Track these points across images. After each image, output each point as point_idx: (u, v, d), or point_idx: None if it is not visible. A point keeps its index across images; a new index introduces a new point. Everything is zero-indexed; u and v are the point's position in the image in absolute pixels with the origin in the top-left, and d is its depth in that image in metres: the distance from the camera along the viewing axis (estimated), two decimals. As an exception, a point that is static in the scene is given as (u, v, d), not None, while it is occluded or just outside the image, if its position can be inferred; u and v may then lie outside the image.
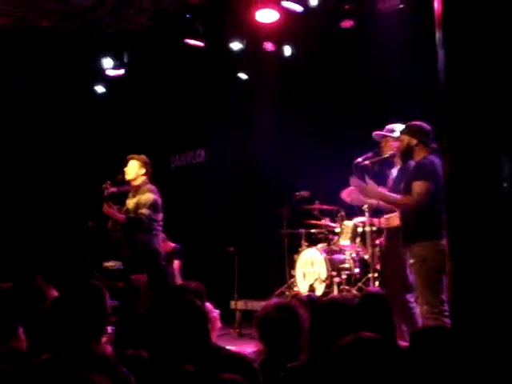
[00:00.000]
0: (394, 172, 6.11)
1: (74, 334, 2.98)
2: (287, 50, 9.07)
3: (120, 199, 7.41)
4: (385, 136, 6.08)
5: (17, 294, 4.36)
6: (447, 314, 4.90)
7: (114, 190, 7.23)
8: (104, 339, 3.39)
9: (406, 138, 5.46)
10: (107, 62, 9.57)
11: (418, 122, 5.49)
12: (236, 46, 8.97)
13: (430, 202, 5.15)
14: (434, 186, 5.13)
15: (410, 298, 5.58)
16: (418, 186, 5.22)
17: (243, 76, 9.64)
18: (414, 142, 5.38)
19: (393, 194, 5.56)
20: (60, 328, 3.06)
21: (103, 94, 10.33)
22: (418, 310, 5.34)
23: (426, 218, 5.17)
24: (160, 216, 7.25)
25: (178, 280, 8.87)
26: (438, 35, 3.13)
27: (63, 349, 2.91)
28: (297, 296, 6.13)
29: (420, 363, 2.65)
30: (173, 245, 9.57)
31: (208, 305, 4.16)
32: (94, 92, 10.34)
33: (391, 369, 2.51)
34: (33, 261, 10.09)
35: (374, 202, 5.95)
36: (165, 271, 6.15)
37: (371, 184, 5.65)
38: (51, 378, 2.26)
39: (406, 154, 5.50)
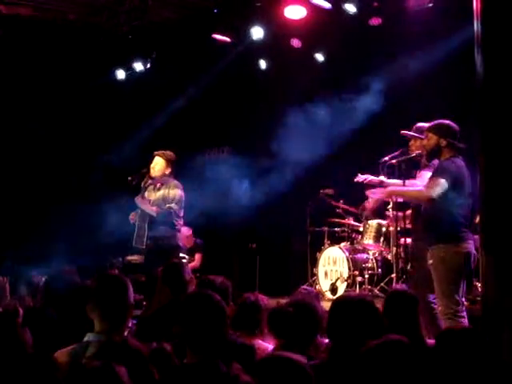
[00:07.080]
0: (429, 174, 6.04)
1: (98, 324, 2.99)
2: (319, 57, 9.05)
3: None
4: (413, 136, 5.99)
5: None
6: (462, 314, 4.98)
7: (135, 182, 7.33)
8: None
9: (434, 138, 5.34)
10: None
11: (446, 121, 5.36)
12: (258, 34, 8.77)
13: (450, 206, 5.10)
14: (453, 187, 5.09)
15: (433, 298, 5.54)
16: (433, 182, 5.20)
17: (263, 65, 9.51)
18: (444, 142, 5.26)
19: (404, 188, 5.55)
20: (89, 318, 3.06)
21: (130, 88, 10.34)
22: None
23: (447, 221, 5.12)
24: (182, 212, 7.28)
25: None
26: (476, 32, 3.06)
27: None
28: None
29: (445, 363, 2.61)
30: (195, 239, 9.59)
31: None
32: (120, 85, 10.35)
33: (417, 372, 2.51)
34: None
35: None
36: (181, 267, 6.13)
37: (384, 182, 5.68)
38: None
39: (434, 153, 5.39)
